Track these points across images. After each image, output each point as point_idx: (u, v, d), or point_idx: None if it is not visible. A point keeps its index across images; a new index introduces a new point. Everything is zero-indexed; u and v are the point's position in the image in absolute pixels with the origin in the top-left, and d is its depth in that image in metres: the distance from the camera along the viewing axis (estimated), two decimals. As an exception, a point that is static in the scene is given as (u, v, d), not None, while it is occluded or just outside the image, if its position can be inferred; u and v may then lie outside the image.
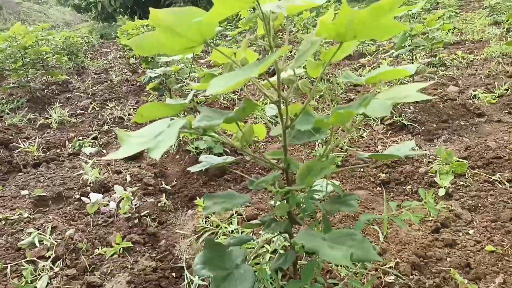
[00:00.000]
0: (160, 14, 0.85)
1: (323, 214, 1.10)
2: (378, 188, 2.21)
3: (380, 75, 0.98)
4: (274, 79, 1.05)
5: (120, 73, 5.83)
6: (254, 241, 1.66)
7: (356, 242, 0.88)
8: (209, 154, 2.54)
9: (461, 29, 6.29)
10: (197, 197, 2.22)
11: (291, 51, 5.49)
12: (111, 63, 6.86)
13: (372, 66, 4.46)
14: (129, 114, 3.79)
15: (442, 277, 1.49)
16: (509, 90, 3.30)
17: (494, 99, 3.12)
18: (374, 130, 2.86)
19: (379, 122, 2.96)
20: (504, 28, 5.68)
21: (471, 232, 1.73)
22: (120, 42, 5.49)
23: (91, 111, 4.06)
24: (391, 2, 0.78)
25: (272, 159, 1.14)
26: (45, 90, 4.88)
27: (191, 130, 0.97)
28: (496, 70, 3.91)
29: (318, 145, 2.62)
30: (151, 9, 0.87)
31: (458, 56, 4.57)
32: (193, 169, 1.25)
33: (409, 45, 2.80)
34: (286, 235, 1.26)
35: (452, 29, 6.23)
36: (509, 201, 1.88)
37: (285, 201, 1.15)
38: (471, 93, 3.29)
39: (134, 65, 6.27)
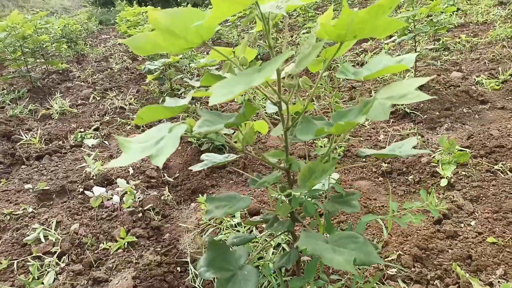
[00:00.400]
0: (158, 15, 0.84)
1: (325, 216, 1.10)
2: (380, 178, 2.21)
3: (379, 73, 0.97)
4: (274, 77, 1.04)
5: (120, 60, 5.79)
6: (256, 237, 1.67)
7: (358, 245, 0.88)
8: (210, 145, 2.54)
9: (465, 11, 6.19)
10: (200, 190, 2.23)
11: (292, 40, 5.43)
12: (110, 50, 6.81)
13: (374, 51, 4.41)
14: (130, 104, 3.78)
15: (444, 269, 1.50)
16: (513, 75, 3.26)
17: (497, 85, 3.09)
18: (376, 119, 2.84)
19: (381, 110, 2.94)
20: (509, 9, 5.58)
21: (472, 223, 1.73)
22: (119, 29, 5.43)
23: (92, 100, 4.05)
24: (391, 1, 0.77)
25: (273, 158, 1.13)
26: (46, 80, 4.86)
27: (192, 133, 0.97)
28: (501, 54, 3.85)
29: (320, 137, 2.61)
30: (149, 10, 0.86)
31: (462, 39, 4.51)
32: (195, 168, 1.25)
33: (409, 31, 2.76)
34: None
35: (456, 11, 6.13)
36: (511, 191, 1.88)
37: (288, 201, 1.15)
38: (475, 79, 3.25)
39: (134, 53, 6.22)
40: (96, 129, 3.25)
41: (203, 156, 1.30)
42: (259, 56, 4.94)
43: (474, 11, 5.93)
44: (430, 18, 3.56)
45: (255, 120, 1.16)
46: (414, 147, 1.10)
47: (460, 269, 1.37)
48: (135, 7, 6.37)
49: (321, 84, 3.42)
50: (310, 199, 1.13)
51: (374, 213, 1.89)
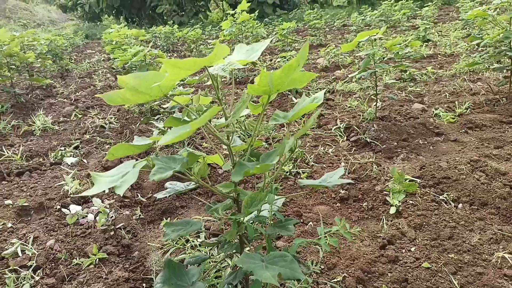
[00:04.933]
0: (126, 79, 1.03)
1: (266, 238, 1.28)
2: (338, 204, 2.40)
3: (297, 114, 1.20)
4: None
5: (104, 78, 5.95)
6: (217, 256, 1.84)
7: (287, 263, 1.08)
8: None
9: (435, 42, 6.55)
10: (170, 210, 2.40)
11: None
12: (94, 67, 6.96)
13: (345, 80, 4.67)
14: (110, 123, 3.93)
15: (381, 290, 1.69)
16: (469, 109, 3.53)
17: (453, 118, 3.35)
18: (340, 146, 3.06)
19: (345, 138, 3.16)
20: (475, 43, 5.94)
21: (412, 249, 1.93)
22: (105, 49, 5.61)
23: (73, 118, 4.19)
24: (297, 60, 0.99)
25: (224, 189, 1.32)
26: (29, 95, 4.99)
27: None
28: (461, 87, 4.15)
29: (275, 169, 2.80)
30: (118, 76, 1.04)
31: (428, 71, 4.81)
32: (159, 195, 1.43)
33: (367, 68, 3.01)
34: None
35: (426, 42, 6.50)
36: (450, 221, 2.09)
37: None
38: (433, 111, 3.51)
39: (118, 71, 6.40)
40: (76, 148, 3.39)
41: (167, 184, 1.48)
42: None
43: (443, 43, 6.29)
44: (397, 51, 3.84)
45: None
46: (341, 177, 1.32)
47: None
48: (121, 25, 6.56)
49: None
50: (254, 223, 1.32)
51: (329, 237, 2.07)
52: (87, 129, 3.81)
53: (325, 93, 4.22)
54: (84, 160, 3.17)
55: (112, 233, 2.14)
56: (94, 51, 9.23)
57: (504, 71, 3.69)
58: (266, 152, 1.26)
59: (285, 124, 3.19)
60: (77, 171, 2.90)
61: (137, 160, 1.13)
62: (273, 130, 3.30)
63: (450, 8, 12.38)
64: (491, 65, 4.29)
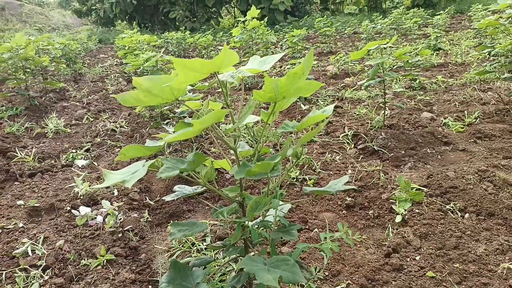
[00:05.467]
0: (140, 80, 1.07)
1: (270, 242, 1.30)
2: (344, 211, 2.41)
3: (305, 123, 1.22)
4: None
5: (116, 82, 6.04)
6: (222, 259, 1.86)
7: (289, 267, 1.10)
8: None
9: (446, 50, 6.53)
10: (177, 214, 2.43)
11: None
12: (107, 71, 7.07)
13: (354, 87, 4.68)
14: (121, 126, 3.99)
15: (385, 298, 1.69)
16: (478, 119, 3.52)
17: (462, 128, 3.34)
18: (348, 154, 3.07)
19: (352, 146, 3.17)
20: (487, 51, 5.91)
21: (417, 258, 1.93)
22: (118, 54, 5.72)
23: (85, 121, 4.26)
24: (302, 69, 1.02)
25: (230, 193, 1.35)
26: (43, 98, 5.08)
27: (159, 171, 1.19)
28: (471, 96, 4.14)
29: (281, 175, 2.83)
30: (133, 78, 1.08)
31: (438, 80, 4.80)
32: (167, 198, 1.46)
33: (376, 77, 3.02)
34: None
35: (437, 50, 6.48)
36: (456, 230, 2.09)
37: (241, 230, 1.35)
38: (442, 121, 3.50)
39: (130, 76, 6.49)
40: (87, 150, 3.45)
41: (175, 187, 1.51)
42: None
43: (455, 51, 6.27)
44: (406, 60, 3.85)
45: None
46: (346, 183, 1.34)
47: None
48: (134, 30, 6.65)
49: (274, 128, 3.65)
50: (259, 228, 1.34)
51: (331, 242, 2.09)
52: (99, 132, 3.87)
53: (333, 100, 4.24)
54: (95, 163, 3.22)
55: (120, 235, 2.17)
56: (107, 56, 9.38)
57: (515, 81, 3.67)
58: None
59: (293, 132, 3.22)
60: (88, 173, 2.95)
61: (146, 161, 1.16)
62: (281, 137, 3.32)
63: (462, 17, 12.34)
64: (502, 75, 4.27)
